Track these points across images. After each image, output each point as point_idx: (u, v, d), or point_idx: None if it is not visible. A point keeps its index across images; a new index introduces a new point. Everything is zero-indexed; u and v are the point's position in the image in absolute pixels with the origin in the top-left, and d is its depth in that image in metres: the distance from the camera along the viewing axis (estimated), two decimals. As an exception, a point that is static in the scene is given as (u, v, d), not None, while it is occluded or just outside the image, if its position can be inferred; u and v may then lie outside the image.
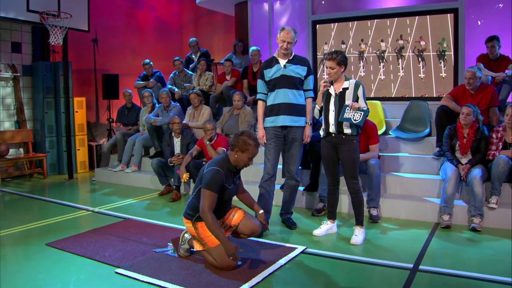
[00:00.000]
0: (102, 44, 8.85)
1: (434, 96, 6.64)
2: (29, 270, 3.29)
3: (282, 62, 4.19)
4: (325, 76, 4.13)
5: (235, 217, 3.37)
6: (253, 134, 3.30)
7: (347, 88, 3.84)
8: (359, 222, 3.96)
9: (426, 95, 6.68)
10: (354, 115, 3.68)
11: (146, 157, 6.96)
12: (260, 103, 4.34)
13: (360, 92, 3.84)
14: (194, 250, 3.48)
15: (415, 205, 4.59)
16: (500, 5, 6.60)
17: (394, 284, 2.98)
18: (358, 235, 3.90)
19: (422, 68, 6.78)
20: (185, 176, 5.51)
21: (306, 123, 4.28)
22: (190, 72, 7.92)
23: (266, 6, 8.54)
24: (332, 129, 3.87)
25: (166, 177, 6.08)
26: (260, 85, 4.32)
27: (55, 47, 7.59)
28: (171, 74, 7.90)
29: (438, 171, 4.97)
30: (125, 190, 6.32)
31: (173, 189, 5.98)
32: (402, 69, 6.95)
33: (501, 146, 4.38)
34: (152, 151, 7.03)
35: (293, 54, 4.23)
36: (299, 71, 4.18)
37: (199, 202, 3.15)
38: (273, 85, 4.22)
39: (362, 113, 3.66)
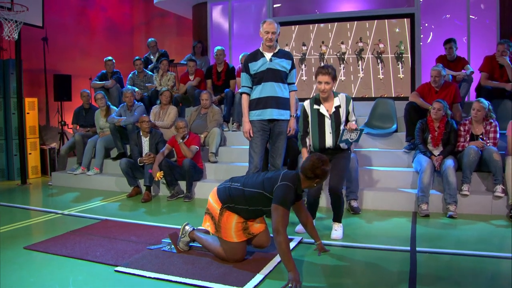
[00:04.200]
0: (51, 43, 8.36)
1: (393, 96, 6.99)
2: (16, 274, 3.02)
3: (268, 55, 4.21)
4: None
5: (257, 226, 3.21)
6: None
7: (340, 106, 3.76)
8: (338, 219, 3.84)
9: (385, 95, 7.01)
10: (351, 135, 3.71)
11: (108, 159, 6.67)
12: (244, 96, 4.33)
13: (350, 107, 3.81)
14: (195, 244, 3.41)
15: (391, 196, 4.80)
16: (447, 15, 7.17)
17: (401, 264, 3.12)
18: (337, 229, 3.80)
19: (381, 70, 7.13)
20: (158, 175, 5.35)
21: (291, 116, 4.34)
22: (149, 73, 7.72)
23: (225, 7, 8.56)
24: (328, 146, 3.79)
25: (135, 178, 5.85)
26: (245, 78, 4.31)
27: (2, 44, 7.08)
28: (130, 74, 7.64)
29: (408, 164, 5.24)
30: (89, 193, 5.99)
31: (141, 190, 5.81)
32: (362, 71, 7.25)
33: (468, 138, 4.72)
34: (113, 152, 6.76)
35: (278, 48, 4.28)
36: (284, 64, 4.24)
37: (246, 198, 3.04)
38: (259, 78, 4.23)
39: (358, 132, 3.72)
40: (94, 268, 3.13)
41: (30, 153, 7.28)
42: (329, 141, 3.77)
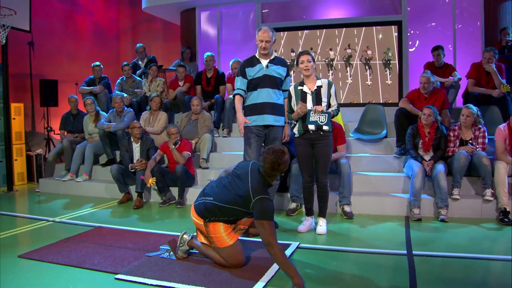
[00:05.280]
0: (38, 48, 8.24)
1: (381, 102, 7.10)
2: (14, 283, 2.96)
3: (264, 62, 4.26)
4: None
5: (244, 220, 3.24)
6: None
7: (321, 86, 4.00)
8: (323, 214, 4.17)
9: (373, 101, 7.12)
10: (319, 117, 3.89)
11: (97, 165, 6.59)
12: (237, 97, 4.35)
13: (332, 91, 4.03)
14: (194, 251, 3.41)
15: (383, 201, 4.86)
16: (433, 23, 7.33)
17: (400, 268, 3.17)
18: (322, 225, 4.10)
19: (369, 76, 7.24)
20: (151, 181, 5.32)
21: (286, 122, 4.38)
22: (138, 78, 7.67)
23: (214, 13, 8.57)
24: (311, 126, 3.95)
25: (126, 184, 5.80)
26: (240, 82, 4.34)
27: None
28: (119, 80, 7.58)
29: (398, 169, 5.33)
30: (78, 200, 5.91)
31: (131, 196, 5.76)
32: (350, 77, 7.35)
33: (458, 143, 4.83)
34: (102, 159, 6.68)
35: (274, 55, 4.32)
36: (280, 71, 4.29)
37: (223, 212, 3.10)
38: (255, 84, 4.26)
39: (327, 115, 3.89)
40: (93, 276, 3.10)
41: (16, 159, 7.15)
42: (310, 117, 3.93)
